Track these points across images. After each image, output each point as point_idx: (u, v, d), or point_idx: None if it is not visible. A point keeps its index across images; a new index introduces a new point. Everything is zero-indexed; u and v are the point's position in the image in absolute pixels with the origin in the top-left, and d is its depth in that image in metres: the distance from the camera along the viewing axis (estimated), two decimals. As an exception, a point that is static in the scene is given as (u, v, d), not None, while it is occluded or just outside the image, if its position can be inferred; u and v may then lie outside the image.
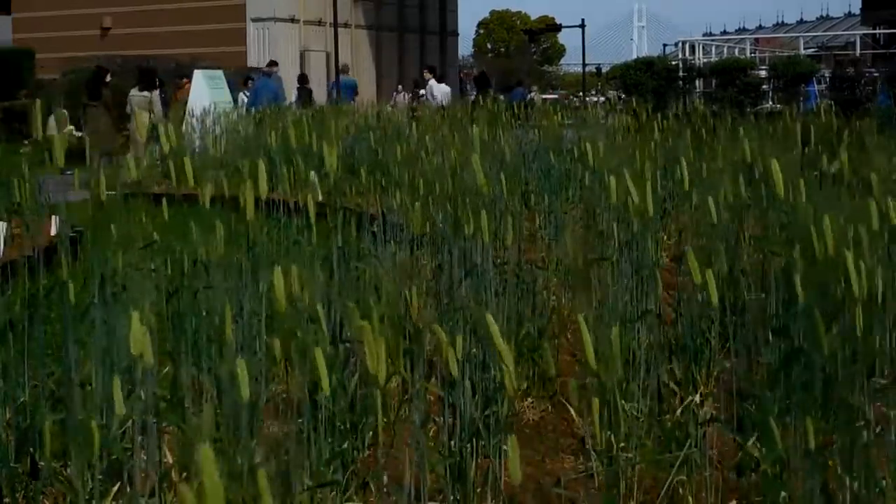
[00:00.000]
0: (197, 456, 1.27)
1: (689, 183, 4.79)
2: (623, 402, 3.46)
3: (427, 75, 22.37)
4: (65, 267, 3.18)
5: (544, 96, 38.18)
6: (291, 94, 21.90)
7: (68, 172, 4.44)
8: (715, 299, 2.96)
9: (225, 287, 3.31)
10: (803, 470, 2.58)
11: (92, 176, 3.74)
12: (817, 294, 2.83)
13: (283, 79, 22.08)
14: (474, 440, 3.20)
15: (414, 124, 8.43)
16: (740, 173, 4.65)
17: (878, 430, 2.79)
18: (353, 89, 22.91)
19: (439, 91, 21.12)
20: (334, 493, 3.06)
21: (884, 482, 2.62)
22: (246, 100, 19.03)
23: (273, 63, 21.69)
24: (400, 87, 26.72)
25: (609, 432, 3.22)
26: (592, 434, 3.31)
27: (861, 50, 35.20)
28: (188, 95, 18.72)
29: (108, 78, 18.61)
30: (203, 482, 1.34)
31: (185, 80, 20.58)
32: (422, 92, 21.89)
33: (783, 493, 2.64)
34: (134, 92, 17.33)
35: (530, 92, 29.99)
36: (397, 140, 7.60)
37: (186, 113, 16.34)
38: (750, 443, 3.10)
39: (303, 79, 22.97)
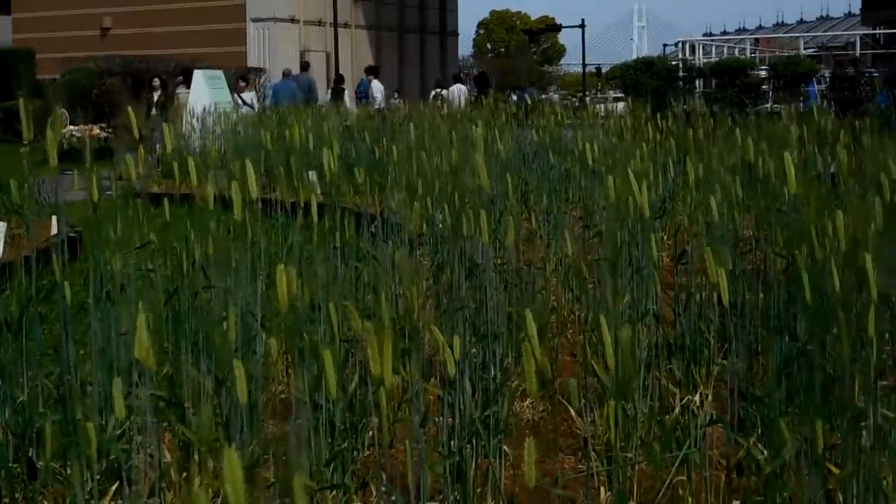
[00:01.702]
0: (198, 457, 1.26)
1: (687, 182, 4.79)
2: (624, 402, 3.46)
3: (367, 76, 22.83)
4: (57, 267, 3.17)
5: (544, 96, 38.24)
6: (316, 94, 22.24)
7: (68, 172, 4.44)
8: (726, 298, 2.96)
9: (224, 287, 3.30)
10: (808, 472, 2.58)
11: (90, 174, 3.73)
12: (822, 295, 2.82)
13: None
14: (474, 440, 3.19)
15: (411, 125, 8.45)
16: (738, 173, 4.65)
17: (890, 433, 2.77)
18: (378, 91, 23.26)
19: (379, 91, 21.71)
20: (334, 493, 3.06)
21: (884, 482, 2.62)
22: (240, 101, 19.14)
23: (306, 65, 22.24)
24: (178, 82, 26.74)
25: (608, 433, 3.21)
26: (597, 435, 3.30)
27: (861, 50, 35.20)
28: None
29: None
30: (227, 491, 1.32)
31: (178, 77, 20.77)
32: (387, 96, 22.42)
33: (785, 494, 2.64)
34: (182, 90, 18.03)
35: (553, 92, 30.60)
36: (394, 140, 7.61)
37: (186, 113, 16.38)
38: (750, 443, 3.09)
39: (339, 79, 23.49)
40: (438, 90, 23.70)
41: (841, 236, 2.87)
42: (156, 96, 19.69)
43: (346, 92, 23.56)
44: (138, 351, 2.34)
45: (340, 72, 26.05)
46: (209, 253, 3.57)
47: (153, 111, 18.50)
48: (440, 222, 4.97)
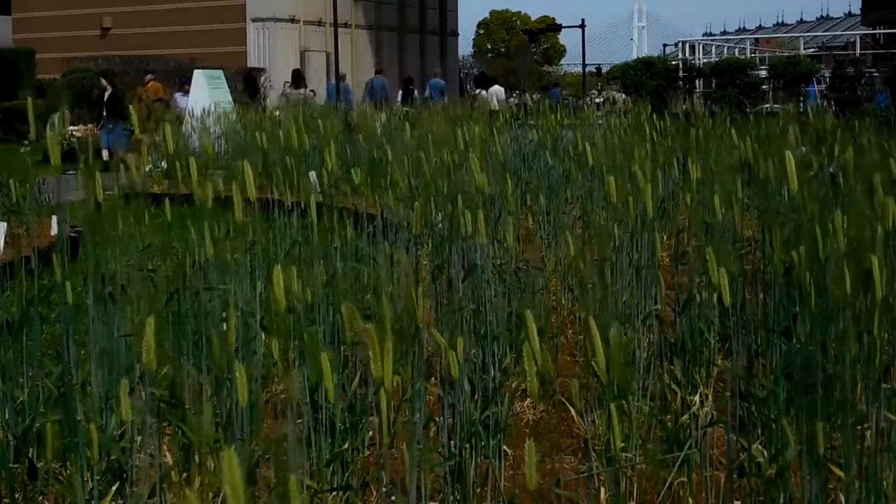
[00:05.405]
0: (198, 457, 1.26)
1: (686, 182, 4.79)
2: (624, 402, 3.45)
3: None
4: (58, 268, 3.17)
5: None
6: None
7: (69, 172, 4.43)
8: (727, 297, 2.96)
9: (224, 287, 3.30)
10: (808, 473, 2.58)
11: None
12: (823, 295, 2.81)
13: (284, 79, 22.58)
14: (473, 441, 3.19)
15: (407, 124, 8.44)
16: (737, 173, 4.65)
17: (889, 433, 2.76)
18: (441, 91, 23.69)
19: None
20: (334, 493, 3.06)
21: (885, 483, 2.61)
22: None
23: (380, 70, 24.90)
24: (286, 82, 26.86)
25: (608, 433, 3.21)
26: (597, 435, 3.30)
27: (861, 50, 35.14)
28: (153, 94, 18.85)
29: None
30: (226, 492, 1.31)
31: (148, 76, 20.61)
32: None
33: (785, 494, 2.64)
34: (290, 90, 20.05)
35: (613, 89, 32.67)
36: (390, 140, 7.61)
37: (186, 113, 16.37)
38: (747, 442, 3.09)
39: (408, 80, 24.53)
40: (477, 91, 24.65)
41: (839, 237, 2.87)
42: (106, 95, 19.70)
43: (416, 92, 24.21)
44: (145, 356, 2.33)
45: (342, 71, 26.43)
46: (209, 254, 3.56)
47: (104, 112, 18.67)
48: (439, 222, 4.97)
